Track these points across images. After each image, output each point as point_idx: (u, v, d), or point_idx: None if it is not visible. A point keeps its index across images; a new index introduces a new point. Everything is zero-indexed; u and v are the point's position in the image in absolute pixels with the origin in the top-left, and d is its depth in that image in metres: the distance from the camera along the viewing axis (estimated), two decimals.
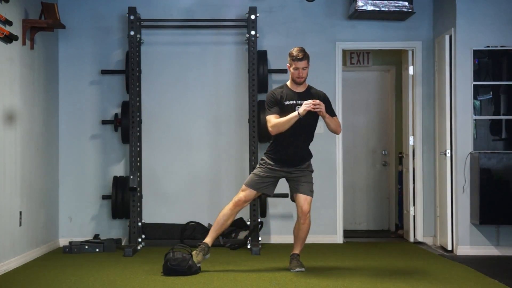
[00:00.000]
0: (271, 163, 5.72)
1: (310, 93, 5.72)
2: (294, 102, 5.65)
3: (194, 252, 5.64)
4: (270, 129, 5.65)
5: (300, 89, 5.72)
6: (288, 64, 5.70)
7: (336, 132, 5.83)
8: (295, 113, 5.55)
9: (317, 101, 5.52)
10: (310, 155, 5.81)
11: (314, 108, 5.49)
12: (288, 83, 5.78)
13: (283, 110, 5.64)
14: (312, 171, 5.80)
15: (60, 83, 7.59)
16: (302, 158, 5.74)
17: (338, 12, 7.75)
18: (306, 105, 5.50)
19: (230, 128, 7.69)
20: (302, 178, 5.72)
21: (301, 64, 5.62)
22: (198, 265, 5.60)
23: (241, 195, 5.74)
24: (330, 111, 5.72)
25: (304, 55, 5.62)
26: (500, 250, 6.92)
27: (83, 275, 5.59)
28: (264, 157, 5.79)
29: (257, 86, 7.21)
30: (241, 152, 7.60)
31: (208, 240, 5.73)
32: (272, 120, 5.63)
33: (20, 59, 6.30)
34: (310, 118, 5.64)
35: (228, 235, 7.39)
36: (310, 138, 5.81)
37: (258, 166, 5.81)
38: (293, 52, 5.64)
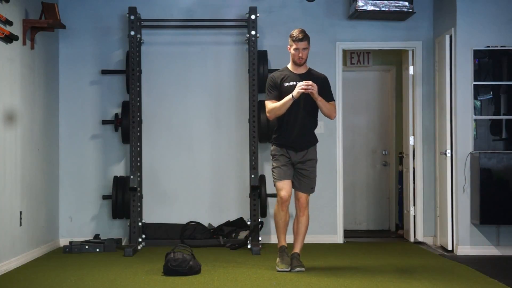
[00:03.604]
0: (278, 149, 5.73)
1: (311, 74, 5.74)
2: (295, 83, 5.65)
3: (278, 260, 5.68)
4: (267, 114, 5.72)
5: (301, 70, 5.73)
6: (288, 46, 5.73)
7: (330, 117, 5.78)
8: (289, 96, 5.58)
9: (310, 82, 5.56)
10: (315, 139, 5.80)
11: (306, 89, 5.51)
12: (289, 65, 5.80)
13: (284, 92, 5.65)
14: (316, 160, 5.79)
15: (60, 83, 7.60)
16: (307, 140, 5.72)
17: (338, 12, 7.75)
18: (299, 87, 5.54)
19: (230, 128, 7.69)
20: (304, 171, 5.72)
21: (302, 44, 5.65)
22: (289, 268, 5.63)
23: (282, 193, 5.67)
24: (328, 95, 5.73)
25: (305, 36, 5.65)
26: (500, 250, 6.92)
27: (83, 275, 5.59)
28: (272, 147, 5.80)
29: (257, 86, 7.22)
30: (241, 152, 7.60)
31: (283, 242, 5.74)
32: (269, 105, 5.68)
33: (20, 59, 6.30)
34: (308, 101, 5.65)
35: (228, 235, 7.39)
36: (312, 121, 5.79)
37: (272, 160, 5.79)
38: (294, 33, 5.68)
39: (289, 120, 5.67)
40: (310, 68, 5.82)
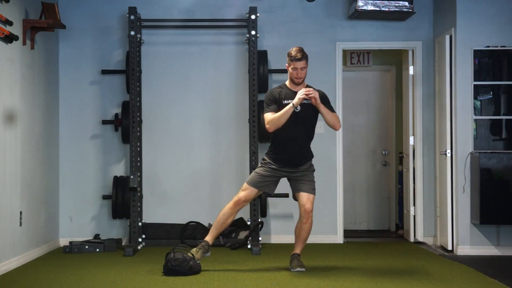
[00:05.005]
0: (272, 163, 5.71)
1: None
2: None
3: (194, 249, 5.66)
4: (267, 126, 5.64)
5: (299, 88, 5.71)
6: (286, 64, 5.71)
7: (335, 127, 5.77)
8: (289, 105, 5.55)
9: (310, 89, 5.55)
10: (311, 155, 5.79)
11: (307, 95, 5.50)
12: (287, 82, 5.78)
13: (282, 109, 5.63)
14: (313, 170, 5.80)
15: (60, 83, 7.60)
16: (303, 157, 5.72)
17: (338, 12, 7.75)
18: (300, 94, 5.53)
19: (230, 128, 7.69)
20: (304, 177, 5.72)
21: (300, 64, 5.62)
22: (197, 262, 5.61)
23: (242, 194, 5.73)
24: (329, 107, 5.72)
25: (303, 55, 5.62)
26: (500, 250, 6.92)
27: (84, 275, 5.59)
28: (265, 157, 5.79)
29: (257, 86, 7.22)
30: (241, 152, 7.60)
31: (209, 238, 5.74)
32: (268, 116, 5.63)
33: (20, 59, 6.30)
34: (308, 115, 5.65)
35: (228, 235, 7.40)
36: (310, 137, 5.78)
37: (260, 165, 5.80)
38: (292, 52, 5.64)
39: (286, 135, 5.63)
40: (308, 85, 5.79)
